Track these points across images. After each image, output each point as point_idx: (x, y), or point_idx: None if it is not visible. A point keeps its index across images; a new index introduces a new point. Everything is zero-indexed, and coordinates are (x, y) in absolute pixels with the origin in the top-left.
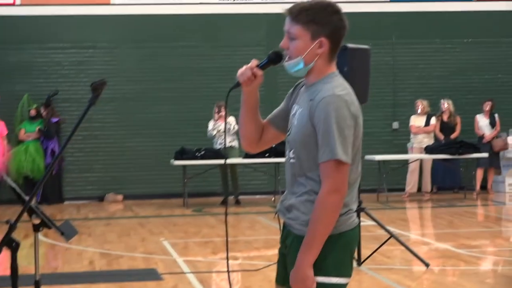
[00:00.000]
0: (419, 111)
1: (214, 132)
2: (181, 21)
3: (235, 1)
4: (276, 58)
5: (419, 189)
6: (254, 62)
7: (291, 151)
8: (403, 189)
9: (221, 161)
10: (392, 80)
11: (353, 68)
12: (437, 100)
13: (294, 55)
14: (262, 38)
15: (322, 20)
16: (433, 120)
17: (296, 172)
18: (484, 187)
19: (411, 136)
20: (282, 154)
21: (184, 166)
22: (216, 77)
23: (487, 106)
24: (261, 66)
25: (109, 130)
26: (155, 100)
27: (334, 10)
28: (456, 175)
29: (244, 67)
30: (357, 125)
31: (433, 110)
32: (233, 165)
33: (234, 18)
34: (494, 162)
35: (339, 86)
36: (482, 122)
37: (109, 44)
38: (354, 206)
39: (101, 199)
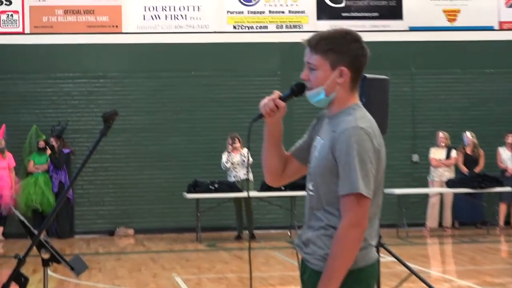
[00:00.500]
0: (439, 143)
1: (228, 165)
2: (194, 50)
3: (249, 30)
4: (298, 89)
5: (440, 224)
6: (276, 94)
7: (311, 184)
8: (423, 224)
9: (236, 195)
10: (411, 111)
11: (372, 99)
12: (457, 132)
13: (315, 86)
14: (276, 68)
15: (341, 49)
16: (453, 153)
17: (314, 205)
18: (508, 222)
19: (431, 169)
20: (298, 188)
21: (197, 199)
22: (230, 107)
23: (510, 138)
24: (284, 98)
25: (120, 162)
26: (167, 131)
27: (353, 38)
28: (478, 209)
29: (267, 98)
30: (380, 159)
31: (454, 142)
32: (247, 199)
33: (248, 47)
34: None
35: (362, 118)
36: (505, 155)
37: (120, 74)
38: (374, 241)
39: (111, 233)
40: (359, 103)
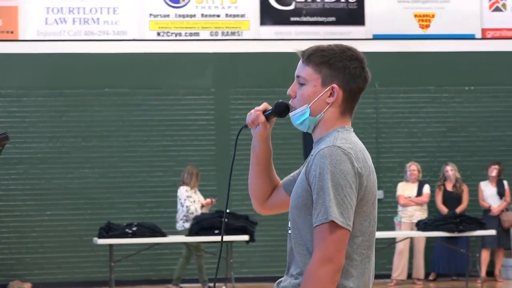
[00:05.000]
0: (409, 177)
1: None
2: (108, 62)
3: (176, 38)
4: (278, 110)
5: (410, 276)
6: (263, 106)
7: (290, 221)
8: (389, 276)
9: (159, 239)
10: (374, 137)
11: None
12: (431, 163)
13: (301, 103)
14: (210, 84)
15: (336, 64)
16: (426, 189)
17: (294, 246)
18: (491, 272)
19: (399, 208)
20: (236, 231)
21: (111, 246)
22: (153, 133)
23: (494, 171)
24: (266, 114)
25: (14, 201)
26: (74, 162)
27: (353, 56)
28: (458, 258)
29: (254, 109)
30: (366, 187)
31: (426, 176)
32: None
33: (175, 58)
34: (503, 242)
35: (343, 139)
36: (488, 191)
37: (15, 91)
38: None
39: None
40: (348, 127)
